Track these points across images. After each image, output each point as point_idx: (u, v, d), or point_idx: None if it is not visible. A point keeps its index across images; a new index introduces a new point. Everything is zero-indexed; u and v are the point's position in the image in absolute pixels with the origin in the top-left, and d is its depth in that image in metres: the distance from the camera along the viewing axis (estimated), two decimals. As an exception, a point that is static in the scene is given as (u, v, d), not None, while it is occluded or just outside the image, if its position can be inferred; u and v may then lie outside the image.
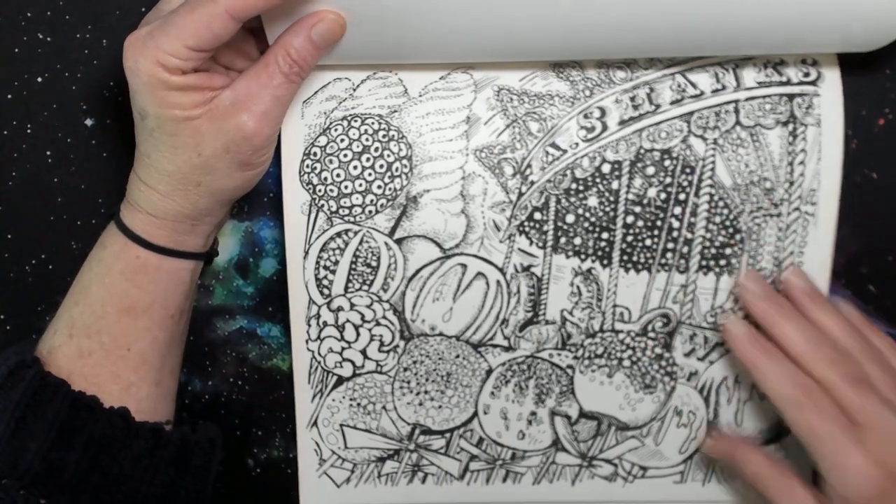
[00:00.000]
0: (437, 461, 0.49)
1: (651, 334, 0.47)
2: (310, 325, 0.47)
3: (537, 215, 0.46)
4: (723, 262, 0.47)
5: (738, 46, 0.43)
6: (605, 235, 0.46)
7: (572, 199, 0.46)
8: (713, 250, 0.47)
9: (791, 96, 0.46)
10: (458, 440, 0.48)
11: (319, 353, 0.47)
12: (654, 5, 0.39)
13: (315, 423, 0.48)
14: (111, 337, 0.42)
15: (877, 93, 0.47)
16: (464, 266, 0.46)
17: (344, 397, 0.48)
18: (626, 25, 0.40)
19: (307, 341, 0.47)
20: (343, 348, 0.47)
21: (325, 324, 0.47)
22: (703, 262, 0.47)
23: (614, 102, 0.45)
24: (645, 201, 0.46)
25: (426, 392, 0.48)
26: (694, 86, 0.45)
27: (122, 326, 0.42)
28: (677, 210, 0.46)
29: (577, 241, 0.46)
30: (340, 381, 0.48)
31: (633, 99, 0.45)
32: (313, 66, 0.41)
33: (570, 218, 0.46)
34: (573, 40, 0.41)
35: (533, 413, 0.48)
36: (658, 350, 0.47)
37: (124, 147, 0.47)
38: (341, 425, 0.48)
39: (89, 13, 0.47)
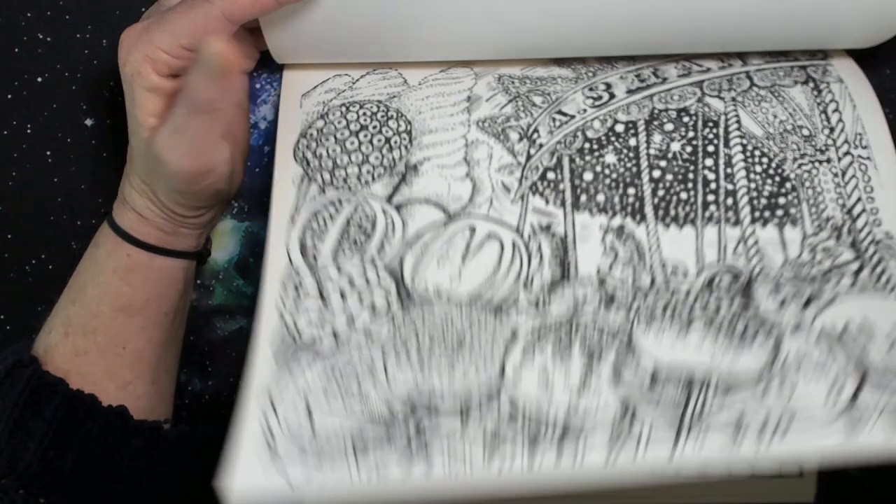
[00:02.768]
0: (446, 443, 0.35)
1: (721, 288, 0.38)
2: (285, 289, 0.38)
3: (550, 175, 0.41)
4: (780, 213, 0.40)
5: (739, 43, 0.44)
6: (631, 191, 0.41)
7: (587, 158, 0.42)
8: (763, 200, 0.40)
9: (803, 66, 0.44)
10: (477, 417, 0.35)
11: (295, 324, 0.38)
12: (654, 4, 0.40)
13: (274, 400, 0.36)
14: (106, 335, 0.41)
15: (877, 92, 0.45)
16: (472, 228, 0.40)
17: (322, 372, 0.36)
18: (627, 24, 0.41)
19: (282, 309, 0.38)
20: (325, 317, 0.38)
21: (307, 293, 0.38)
22: (756, 214, 0.40)
23: (619, 79, 0.44)
24: (670, 155, 0.41)
25: (430, 364, 0.36)
26: (700, 65, 0.45)
27: (117, 325, 0.41)
28: (709, 162, 0.41)
29: (601, 197, 0.41)
30: (317, 354, 0.37)
31: (638, 76, 0.44)
32: (222, 102, 0.38)
33: (588, 175, 0.41)
34: (575, 39, 0.43)
35: (584, 380, 0.36)
36: (738, 302, 0.37)
37: (124, 147, 0.45)
38: (308, 405, 0.36)
39: (89, 13, 0.48)
